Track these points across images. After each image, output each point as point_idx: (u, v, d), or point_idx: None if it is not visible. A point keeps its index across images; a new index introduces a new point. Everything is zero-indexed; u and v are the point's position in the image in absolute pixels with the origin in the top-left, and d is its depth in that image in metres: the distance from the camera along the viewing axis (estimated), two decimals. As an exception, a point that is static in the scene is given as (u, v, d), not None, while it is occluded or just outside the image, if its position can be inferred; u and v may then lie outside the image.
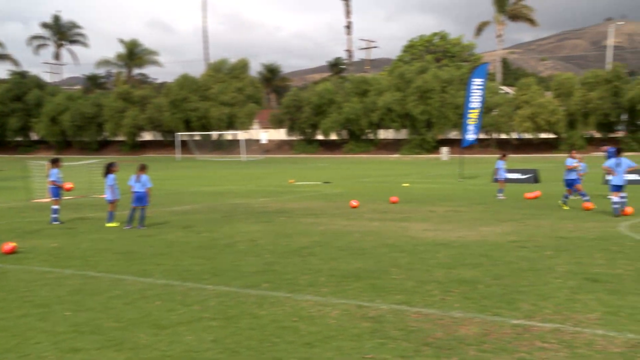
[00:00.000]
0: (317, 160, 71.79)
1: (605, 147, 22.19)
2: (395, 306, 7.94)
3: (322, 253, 11.76)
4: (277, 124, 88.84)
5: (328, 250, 12.10)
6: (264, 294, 8.71)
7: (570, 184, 19.28)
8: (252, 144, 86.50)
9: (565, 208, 18.66)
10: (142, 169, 16.14)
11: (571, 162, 19.38)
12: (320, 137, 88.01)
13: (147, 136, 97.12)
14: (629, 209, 16.89)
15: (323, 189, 28.30)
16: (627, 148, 66.67)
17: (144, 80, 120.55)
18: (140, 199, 15.93)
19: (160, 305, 8.25)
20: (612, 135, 73.91)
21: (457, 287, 8.88)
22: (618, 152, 17.52)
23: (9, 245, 12.35)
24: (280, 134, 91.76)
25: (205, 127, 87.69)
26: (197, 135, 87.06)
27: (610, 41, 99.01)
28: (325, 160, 69.72)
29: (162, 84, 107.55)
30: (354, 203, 20.17)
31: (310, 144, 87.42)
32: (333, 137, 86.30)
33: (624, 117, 72.19)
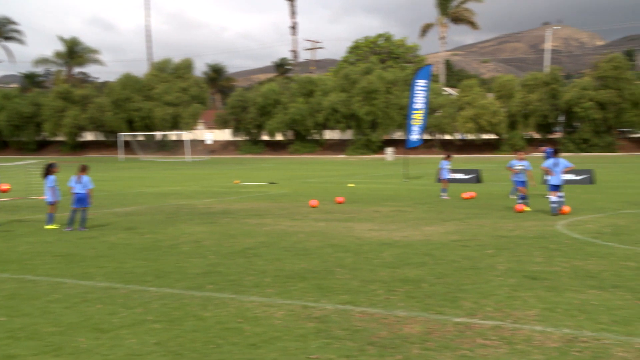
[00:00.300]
0: (262, 160, 71.57)
1: (543, 148, 22.76)
2: (340, 306, 7.97)
3: (267, 254, 11.73)
4: (222, 124, 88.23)
5: (273, 250, 12.08)
6: (208, 296, 8.63)
7: (518, 185, 19.08)
8: (197, 144, 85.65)
9: (527, 209, 18.19)
10: (83, 169, 15.79)
11: (515, 163, 19.15)
12: (265, 137, 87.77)
13: (88, 136, 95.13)
14: (566, 208, 17.38)
15: (268, 189, 28.22)
16: (564, 149, 68.69)
17: (85, 79, 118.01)
18: (81, 201, 15.59)
19: (102, 308, 8.09)
20: (550, 136, 76.00)
21: (402, 286, 8.98)
22: (555, 153, 18.02)
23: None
24: (226, 135, 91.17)
25: (148, 128, 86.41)
26: (140, 135, 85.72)
27: (548, 45, 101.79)
28: (270, 161, 69.54)
29: (104, 84, 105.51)
30: (313, 203, 20.32)
31: (255, 145, 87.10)
32: (279, 137, 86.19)
33: (561, 118, 74.33)
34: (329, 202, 21.76)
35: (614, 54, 73.37)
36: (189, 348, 6.54)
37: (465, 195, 22.48)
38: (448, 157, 23.72)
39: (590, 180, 28.20)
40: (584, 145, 69.69)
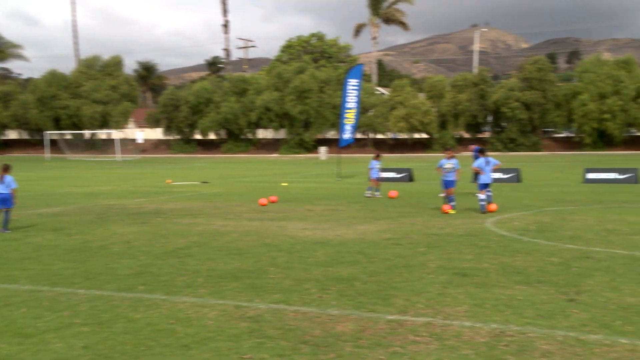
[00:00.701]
0: (195, 160, 70.73)
1: (472, 146, 23.15)
2: (273, 305, 7.96)
3: (200, 254, 11.60)
4: (153, 123, 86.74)
5: (206, 250, 11.95)
6: (139, 297, 8.47)
7: (446, 185, 18.37)
8: (128, 143, 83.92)
9: (452, 212, 17.57)
10: (6, 169, 15.23)
11: (444, 162, 18.45)
12: (198, 136, 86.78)
13: (12, 135, 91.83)
14: (492, 206, 17.84)
15: (201, 189, 27.92)
16: (492, 148, 70.52)
17: (7, 75, 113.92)
18: (4, 201, 15.04)
19: (26, 312, 7.82)
20: (479, 135, 77.89)
21: (335, 284, 9.03)
22: (481, 152, 18.49)
23: None
24: (157, 134, 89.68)
25: (77, 126, 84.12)
26: (68, 134, 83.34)
27: (476, 46, 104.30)
28: (203, 160, 68.80)
29: (28, 80, 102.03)
30: (263, 201, 20.40)
31: (188, 144, 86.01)
32: (211, 136, 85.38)
33: (490, 118, 76.33)
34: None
35: (538, 57, 75.88)
36: (118, 351, 6.40)
37: (391, 194, 22.70)
38: (377, 157, 23.84)
39: (517, 179, 29.05)
40: (511, 145, 71.73)
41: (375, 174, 23.21)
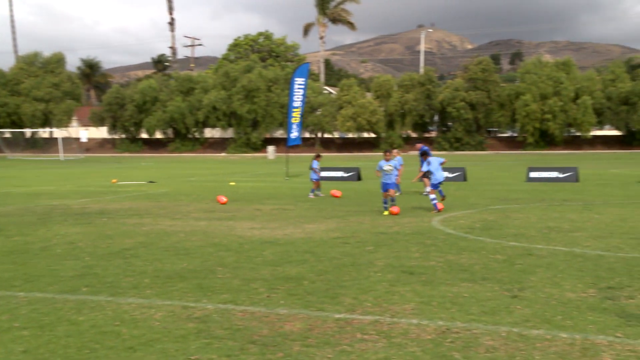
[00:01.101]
0: (141, 159, 69.69)
1: (419, 145, 23.24)
2: (221, 306, 7.90)
3: (146, 254, 11.43)
4: (98, 121, 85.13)
5: (152, 251, 11.79)
6: (83, 299, 8.29)
7: (385, 187, 17.59)
8: (71, 142, 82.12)
9: (385, 214, 17.10)
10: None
11: (383, 164, 17.53)
12: (144, 135, 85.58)
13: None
14: (440, 205, 18.01)
15: (148, 188, 27.53)
16: (439, 147, 71.63)
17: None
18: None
19: (-36, 317, 7.56)
20: (426, 135, 78.93)
21: (283, 284, 9.01)
22: (425, 155, 18.57)
23: None
24: (102, 132, 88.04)
25: (16, 124, 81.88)
26: (6, 132, 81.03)
27: (422, 47, 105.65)
28: (150, 159, 67.85)
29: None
30: (223, 199, 20.34)
31: (133, 143, 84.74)
32: (158, 135, 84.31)
33: (436, 118, 77.42)
34: (211, 200, 21.52)
35: (482, 57, 77.31)
36: (61, 354, 6.25)
37: (333, 193, 22.66)
38: (318, 157, 23.61)
39: (463, 178, 29.55)
40: (457, 144, 72.94)
41: (314, 175, 22.92)
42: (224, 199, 20.64)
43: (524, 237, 13.00)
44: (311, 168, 23.08)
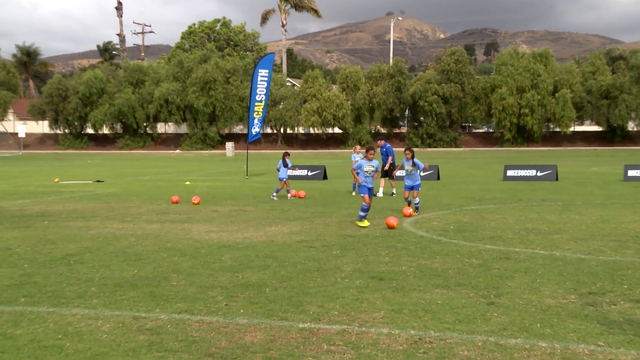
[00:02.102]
0: (87, 156, 68.84)
1: (382, 142, 23.24)
2: (175, 315, 7.83)
3: (93, 260, 11.29)
4: (37, 115, 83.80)
5: (100, 256, 11.64)
6: (21, 310, 8.14)
7: (365, 191, 16.50)
8: (7, 137, 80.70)
9: (362, 225, 15.32)
10: None
11: (364, 164, 16.11)
12: (90, 130, 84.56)
13: None
14: (407, 210, 17.77)
15: (94, 188, 27.21)
16: (410, 143, 72.06)
17: None
18: None
19: None
20: (396, 130, 79.39)
21: (243, 291, 8.98)
22: (409, 153, 18.37)
23: None
24: (42, 127, 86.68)
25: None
26: None
27: (392, 36, 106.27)
28: (97, 157, 67.04)
29: None
30: (195, 200, 20.38)
31: (78, 139, 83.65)
32: (105, 131, 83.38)
33: (407, 112, 77.87)
34: (164, 201, 21.36)
35: (456, 48, 77.95)
36: (-2, 372, 6.13)
37: (294, 193, 22.52)
38: (286, 155, 23.27)
39: (436, 177, 29.80)
40: (429, 140, 73.46)
41: (282, 175, 22.61)
42: (197, 199, 20.61)
43: (501, 239, 13.16)
44: (289, 167, 22.55)
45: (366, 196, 15.48)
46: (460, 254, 11.55)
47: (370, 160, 15.87)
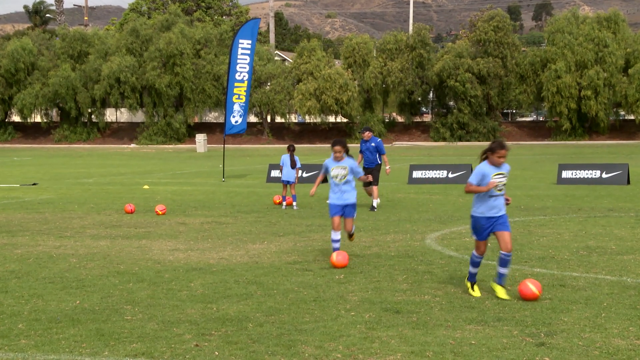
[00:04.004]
0: (12, 151, 68.81)
1: (368, 134, 22.40)
2: (130, 360, 7.88)
3: (21, 288, 11.31)
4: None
5: (30, 283, 11.67)
6: None
7: (334, 210, 15.07)
8: None
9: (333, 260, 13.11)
10: None
11: (332, 165, 14.48)
12: (16, 118, 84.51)
13: None
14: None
15: (23, 194, 27.23)
16: (437, 136, 71.90)
17: None
18: None
19: None
20: (417, 119, 79.07)
21: (218, 328, 9.01)
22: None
23: None
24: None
25: None
26: None
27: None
28: (25, 152, 67.03)
29: None
30: (160, 210, 20.52)
31: (1, 129, 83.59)
32: (37, 118, 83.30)
33: (431, 96, 77.51)
34: (115, 211, 21.38)
35: (495, 11, 77.11)
36: None
37: (290, 201, 22.44)
38: (292, 149, 22.97)
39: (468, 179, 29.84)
40: (461, 132, 72.80)
41: (291, 176, 22.36)
42: (162, 209, 20.68)
43: (554, 260, 13.18)
44: (297, 167, 22.32)
45: (335, 219, 13.49)
46: (501, 280, 11.57)
47: (338, 160, 13.51)
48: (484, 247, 10.99)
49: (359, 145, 21.79)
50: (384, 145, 22.76)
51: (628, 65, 69.46)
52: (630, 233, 16.32)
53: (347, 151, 13.64)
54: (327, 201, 13.83)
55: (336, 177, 13.39)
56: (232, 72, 34.45)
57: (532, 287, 10.33)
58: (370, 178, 15.56)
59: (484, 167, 11.51)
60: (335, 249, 13.22)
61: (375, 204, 21.54)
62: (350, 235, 13.98)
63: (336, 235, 13.37)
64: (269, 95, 75.04)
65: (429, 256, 13.74)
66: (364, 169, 21.19)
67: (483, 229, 11.06)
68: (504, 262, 10.62)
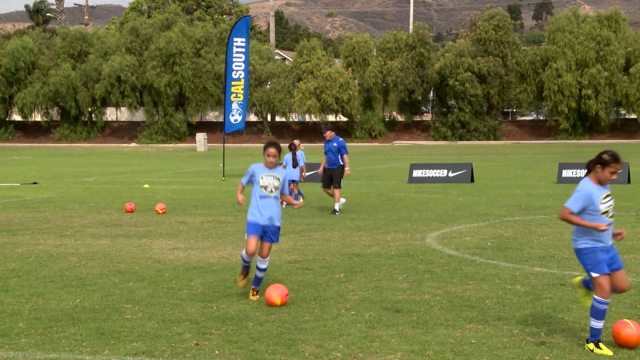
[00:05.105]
0: (13, 150, 68.82)
1: (330, 134, 21.90)
2: (130, 359, 7.87)
3: (21, 287, 11.32)
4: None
5: (30, 282, 11.67)
6: None
7: (252, 228, 13.29)
8: None
9: (239, 283, 11.03)
10: None
11: (260, 173, 11.97)
12: (17, 117, 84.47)
13: None
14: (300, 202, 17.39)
15: (23, 193, 27.23)
16: (437, 135, 71.92)
17: None
18: None
19: None
20: (417, 118, 79.06)
21: (218, 327, 9.01)
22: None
23: None
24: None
25: None
26: None
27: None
28: (26, 151, 67.03)
29: None
30: (160, 209, 20.64)
31: (1, 128, 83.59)
32: (37, 117, 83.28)
33: (431, 95, 77.53)
34: (115, 210, 21.39)
35: (496, 10, 77.30)
36: None
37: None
38: (297, 147, 22.82)
39: (469, 178, 29.82)
40: (461, 131, 72.82)
41: (295, 175, 22.26)
42: (162, 208, 20.72)
43: (555, 260, 13.19)
44: (300, 166, 22.22)
45: (251, 240, 10.70)
46: (501, 279, 11.57)
47: (271, 167, 10.84)
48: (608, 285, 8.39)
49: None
50: (347, 144, 21.87)
51: (629, 64, 69.56)
52: (630, 232, 16.30)
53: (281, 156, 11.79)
54: (247, 218, 10.86)
55: (265, 188, 10.67)
56: (229, 71, 34.49)
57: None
58: (295, 203, 12.53)
59: (590, 186, 8.90)
60: (245, 268, 10.88)
61: (337, 207, 20.55)
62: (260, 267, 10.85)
63: (248, 258, 10.73)
64: (269, 94, 75.00)
65: (429, 255, 13.75)
66: (326, 170, 20.87)
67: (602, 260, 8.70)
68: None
